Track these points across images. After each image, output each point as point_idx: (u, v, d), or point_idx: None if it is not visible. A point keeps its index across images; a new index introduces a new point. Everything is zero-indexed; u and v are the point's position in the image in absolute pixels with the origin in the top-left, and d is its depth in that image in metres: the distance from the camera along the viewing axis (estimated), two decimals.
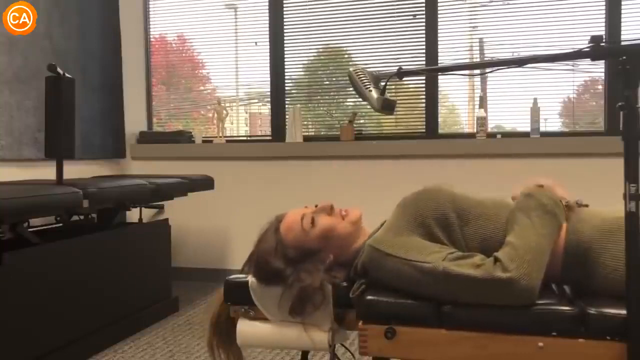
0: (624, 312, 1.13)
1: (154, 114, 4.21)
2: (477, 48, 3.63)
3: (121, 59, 3.88)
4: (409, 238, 1.32)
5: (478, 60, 3.60)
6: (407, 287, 1.29)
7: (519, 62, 1.33)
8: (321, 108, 3.96)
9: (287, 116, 3.81)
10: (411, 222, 1.34)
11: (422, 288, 1.27)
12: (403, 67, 1.36)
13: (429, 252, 1.28)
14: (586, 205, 1.41)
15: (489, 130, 3.49)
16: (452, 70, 1.46)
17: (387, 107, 1.32)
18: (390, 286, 1.33)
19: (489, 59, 3.60)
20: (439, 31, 3.54)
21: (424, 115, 3.60)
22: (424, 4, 3.55)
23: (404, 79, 1.36)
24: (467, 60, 3.60)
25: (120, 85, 3.87)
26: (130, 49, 3.97)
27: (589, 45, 1.13)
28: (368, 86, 1.32)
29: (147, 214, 3.67)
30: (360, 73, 1.35)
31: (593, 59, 1.18)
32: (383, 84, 1.34)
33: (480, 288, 1.20)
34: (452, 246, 1.33)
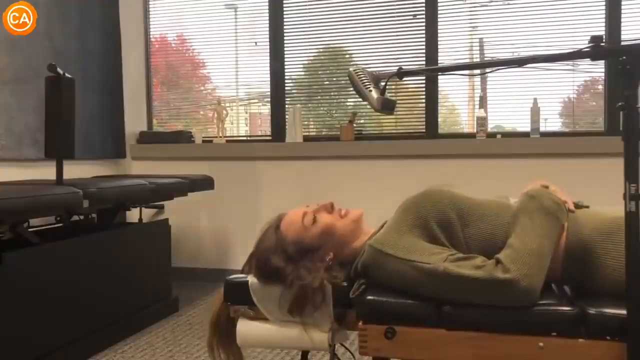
0: (624, 312, 1.13)
1: (154, 114, 4.20)
2: (477, 48, 3.63)
3: (121, 59, 3.88)
4: (410, 239, 1.32)
5: (478, 60, 3.60)
6: (408, 288, 1.29)
7: (519, 62, 1.33)
8: (321, 108, 3.96)
9: (287, 116, 3.81)
10: (413, 224, 1.34)
11: (423, 289, 1.27)
12: (403, 67, 1.36)
13: (430, 254, 1.28)
14: (587, 207, 1.41)
15: (489, 130, 3.49)
16: (452, 70, 1.46)
17: (387, 106, 1.32)
18: (391, 287, 1.32)
19: (489, 58, 3.60)
20: (439, 31, 3.53)
21: (424, 115, 3.60)
22: (424, 4, 3.54)
23: (404, 79, 1.36)
24: (467, 60, 3.60)
25: (120, 85, 3.87)
26: (130, 49, 3.97)
27: (589, 45, 1.13)
28: (368, 86, 1.32)
29: (147, 214, 3.67)
30: (360, 73, 1.35)
31: (593, 59, 1.18)
32: (383, 83, 1.34)
33: (481, 289, 1.20)
34: (453, 248, 1.33)
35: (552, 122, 3.50)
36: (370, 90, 1.32)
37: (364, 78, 1.34)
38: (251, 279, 1.46)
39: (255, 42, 3.94)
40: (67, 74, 2.52)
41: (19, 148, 3.06)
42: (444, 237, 1.33)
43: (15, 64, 3.03)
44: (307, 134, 3.85)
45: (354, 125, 3.62)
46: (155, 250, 3.11)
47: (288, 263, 1.41)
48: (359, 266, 1.40)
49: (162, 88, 4.27)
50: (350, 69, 1.36)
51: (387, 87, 1.33)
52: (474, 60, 3.61)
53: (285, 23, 3.82)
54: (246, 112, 4.26)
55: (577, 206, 1.40)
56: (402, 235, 1.33)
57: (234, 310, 1.48)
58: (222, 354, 1.53)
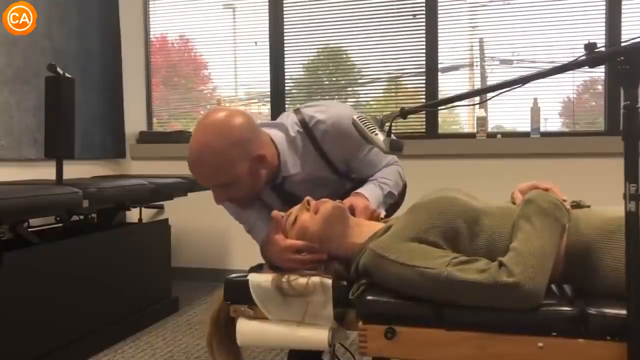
0: (624, 312, 1.12)
1: (154, 114, 4.20)
2: (477, 48, 3.63)
3: (121, 59, 3.88)
4: (412, 244, 1.31)
5: (478, 59, 3.61)
6: (411, 293, 1.29)
7: (522, 82, 1.32)
8: None
9: None
10: (419, 230, 1.32)
11: (426, 293, 1.27)
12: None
13: (433, 258, 1.27)
14: (588, 206, 1.41)
15: (489, 130, 3.49)
16: (453, 102, 1.45)
17: (395, 147, 1.34)
18: (393, 289, 1.32)
19: (489, 58, 3.61)
20: (439, 31, 3.53)
21: (424, 115, 3.60)
22: (424, 4, 3.54)
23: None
24: (467, 60, 3.61)
25: (120, 85, 3.87)
26: (130, 49, 3.97)
27: (585, 54, 1.13)
28: (373, 130, 1.34)
29: (147, 214, 3.67)
30: (364, 119, 1.37)
31: (592, 66, 1.18)
32: (388, 124, 1.36)
33: (485, 293, 1.20)
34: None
35: (552, 122, 3.50)
36: (377, 134, 1.33)
37: (368, 124, 1.35)
38: (251, 277, 1.46)
39: (255, 42, 3.94)
40: (67, 74, 2.52)
41: (19, 148, 3.06)
42: (448, 247, 1.32)
43: (15, 64, 3.03)
44: None
45: None
46: (155, 250, 3.11)
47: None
48: (360, 267, 1.40)
49: (162, 88, 4.27)
50: (354, 117, 1.38)
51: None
52: (474, 60, 3.61)
53: (285, 23, 3.82)
54: None
55: (579, 206, 1.40)
56: (404, 239, 1.32)
57: (234, 309, 1.48)
58: (222, 353, 1.53)
